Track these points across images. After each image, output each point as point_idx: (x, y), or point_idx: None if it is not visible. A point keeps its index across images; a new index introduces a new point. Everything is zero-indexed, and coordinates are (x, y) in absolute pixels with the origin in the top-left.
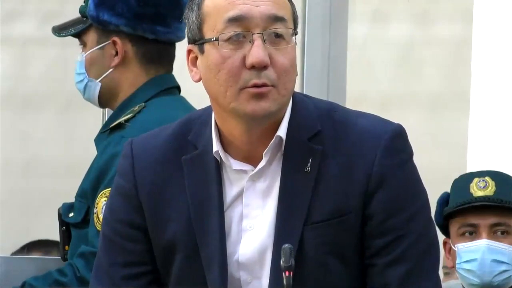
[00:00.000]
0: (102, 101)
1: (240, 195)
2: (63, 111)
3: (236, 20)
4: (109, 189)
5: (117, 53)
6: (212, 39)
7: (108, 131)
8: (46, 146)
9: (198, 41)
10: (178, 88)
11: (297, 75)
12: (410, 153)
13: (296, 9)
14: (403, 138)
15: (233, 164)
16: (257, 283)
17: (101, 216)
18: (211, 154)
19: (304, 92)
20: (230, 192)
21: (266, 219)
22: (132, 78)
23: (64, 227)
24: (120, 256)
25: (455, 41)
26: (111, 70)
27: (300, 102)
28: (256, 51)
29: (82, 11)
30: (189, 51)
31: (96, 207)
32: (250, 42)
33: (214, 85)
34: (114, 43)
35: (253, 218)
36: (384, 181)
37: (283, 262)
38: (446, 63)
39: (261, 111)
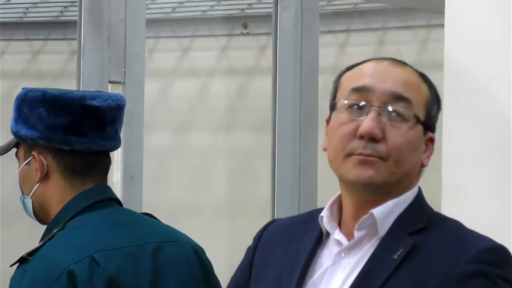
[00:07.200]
0: (40, 218)
1: (328, 266)
2: None
3: (359, 90)
4: None
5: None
6: (334, 103)
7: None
8: None
9: (330, 110)
10: (116, 200)
11: (423, 166)
12: (506, 276)
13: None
14: (500, 256)
15: (335, 234)
16: None
17: None
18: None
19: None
20: (320, 261)
21: None
22: (58, 193)
23: None
24: None
25: None
26: (37, 185)
27: (420, 200)
28: (367, 122)
29: None
30: (327, 121)
31: None
32: (366, 114)
33: (330, 150)
34: (34, 157)
35: None
36: (458, 283)
37: None
38: None
39: (365, 177)
